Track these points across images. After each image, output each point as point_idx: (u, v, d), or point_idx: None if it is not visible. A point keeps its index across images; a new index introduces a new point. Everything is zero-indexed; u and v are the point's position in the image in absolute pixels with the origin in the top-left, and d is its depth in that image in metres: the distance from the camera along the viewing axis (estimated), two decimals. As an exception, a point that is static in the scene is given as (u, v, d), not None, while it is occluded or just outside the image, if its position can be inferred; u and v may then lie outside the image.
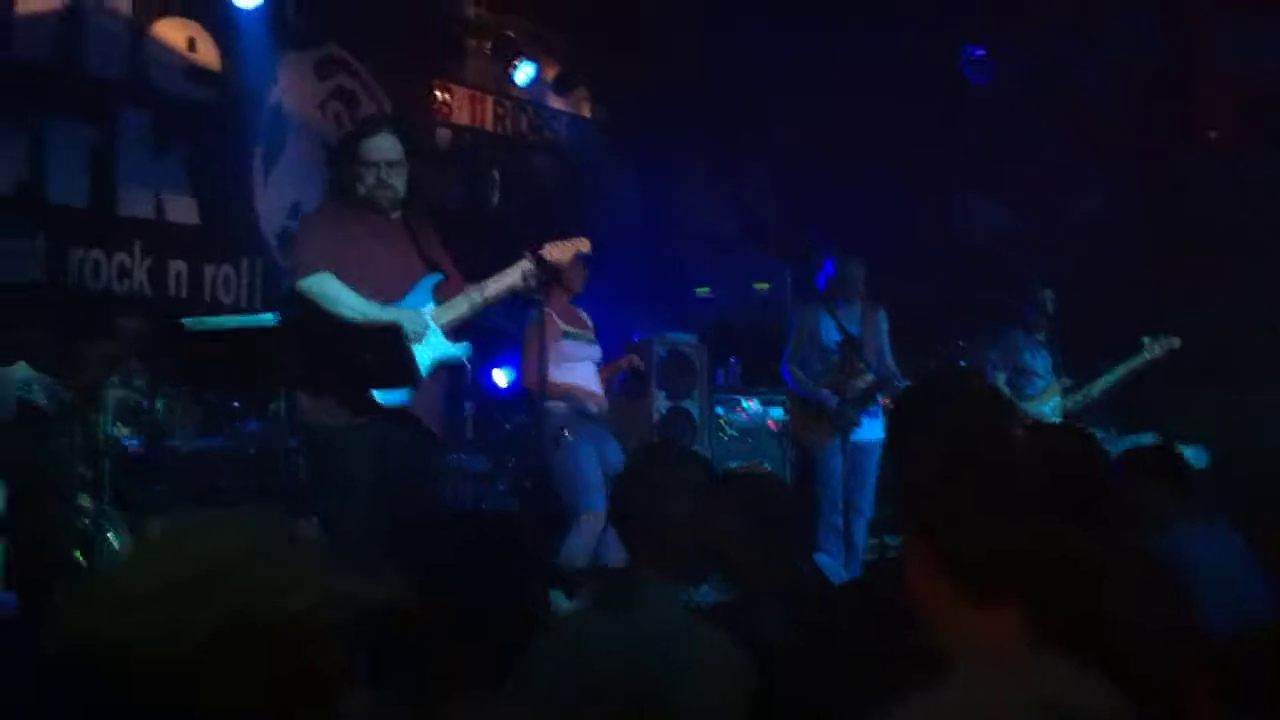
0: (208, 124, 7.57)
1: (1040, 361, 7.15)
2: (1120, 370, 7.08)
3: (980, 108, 8.93)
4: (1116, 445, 7.21)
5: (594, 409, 6.48)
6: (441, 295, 4.69)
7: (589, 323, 6.74)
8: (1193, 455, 7.07)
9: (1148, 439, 7.34)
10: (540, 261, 4.78)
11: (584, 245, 5.14)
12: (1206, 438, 7.11)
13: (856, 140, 9.03)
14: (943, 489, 1.67)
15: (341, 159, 4.82)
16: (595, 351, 6.67)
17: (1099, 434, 7.01)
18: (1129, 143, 8.41)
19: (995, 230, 9.00)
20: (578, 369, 6.56)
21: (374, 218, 4.65)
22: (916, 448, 2.46)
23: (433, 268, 4.69)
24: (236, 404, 6.58)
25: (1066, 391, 7.09)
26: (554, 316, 6.47)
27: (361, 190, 4.61)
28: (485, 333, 6.08)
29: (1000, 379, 7.02)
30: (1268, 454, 7.39)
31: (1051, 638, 1.54)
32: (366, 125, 4.97)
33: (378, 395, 4.40)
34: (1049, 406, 7.03)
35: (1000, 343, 7.24)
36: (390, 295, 4.56)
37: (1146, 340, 7.01)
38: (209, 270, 7.58)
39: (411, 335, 4.49)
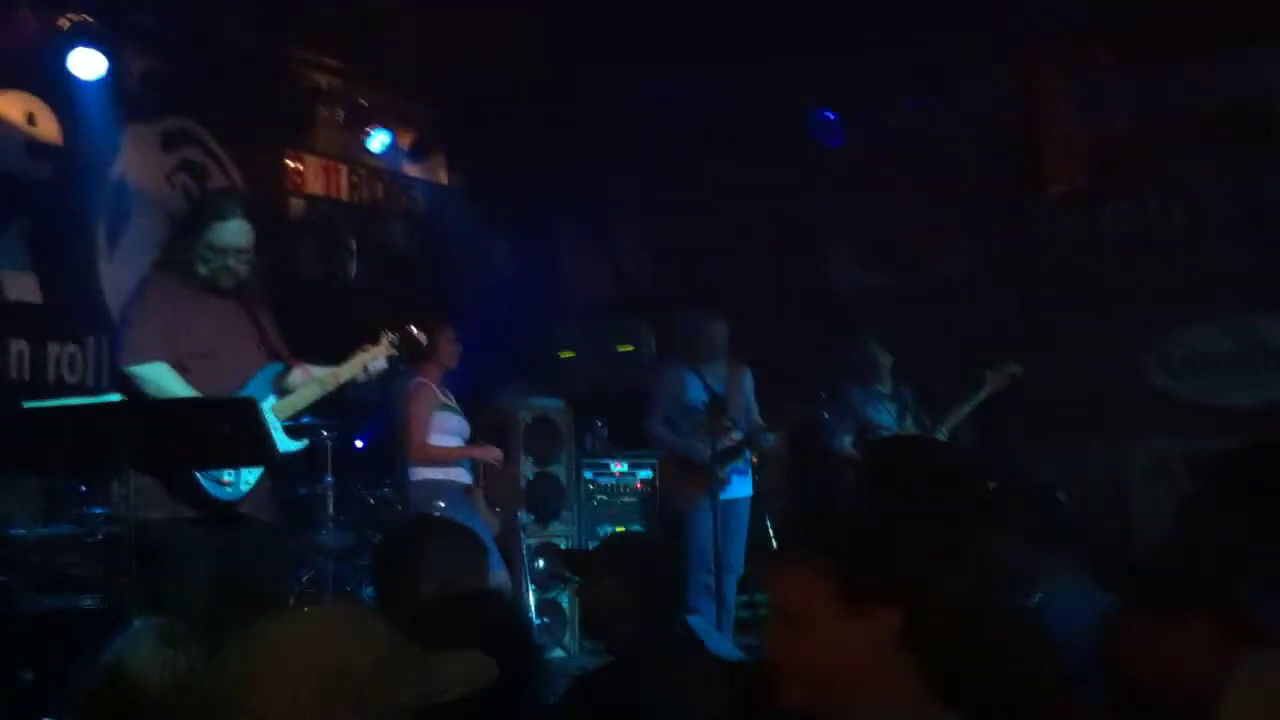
0: (49, 199, 7.32)
1: (884, 415, 7.27)
2: (966, 406, 7.23)
3: (843, 166, 9.15)
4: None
5: (459, 489, 6.49)
6: (282, 385, 4.56)
7: (453, 400, 6.77)
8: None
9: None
10: (404, 335, 4.71)
11: (423, 338, 5.08)
12: (1063, 485, 7.31)
13: (727, 200, 9.17)
14: (908, 554, 1.68)
15: (185, 236, 4.66)
16: (465, 427, 6.69)
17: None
18: (986, 198, 8.69)
19: (861, 287, 9.19)
20: (449, 443, 6.57)
21: (211, 298, 4.52)
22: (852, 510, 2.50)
23: (273, 355, 4.57)
24: (83, 488, 6.31)
25: None
26: (431, 386, 6.46)
27: (203, 272, 4.48)
28: (348, 406, 5.97)
29: (846, 442, 7.13)
30: (1120, 501, 7.66)
31: (951, 696, 1.56)
32: (217, 207, 4.78)
33: (214, 492, 4.25)
34: None
35: (840, 403, 7.37)
36: (227, 386, 4.42)
37: (987, 372, 7.19)
38: (52, 349, 7.29)
39: None
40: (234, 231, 4.52)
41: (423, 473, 6.56)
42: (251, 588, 4.33)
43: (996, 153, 8.56)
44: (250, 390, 4.48)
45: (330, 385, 4.58)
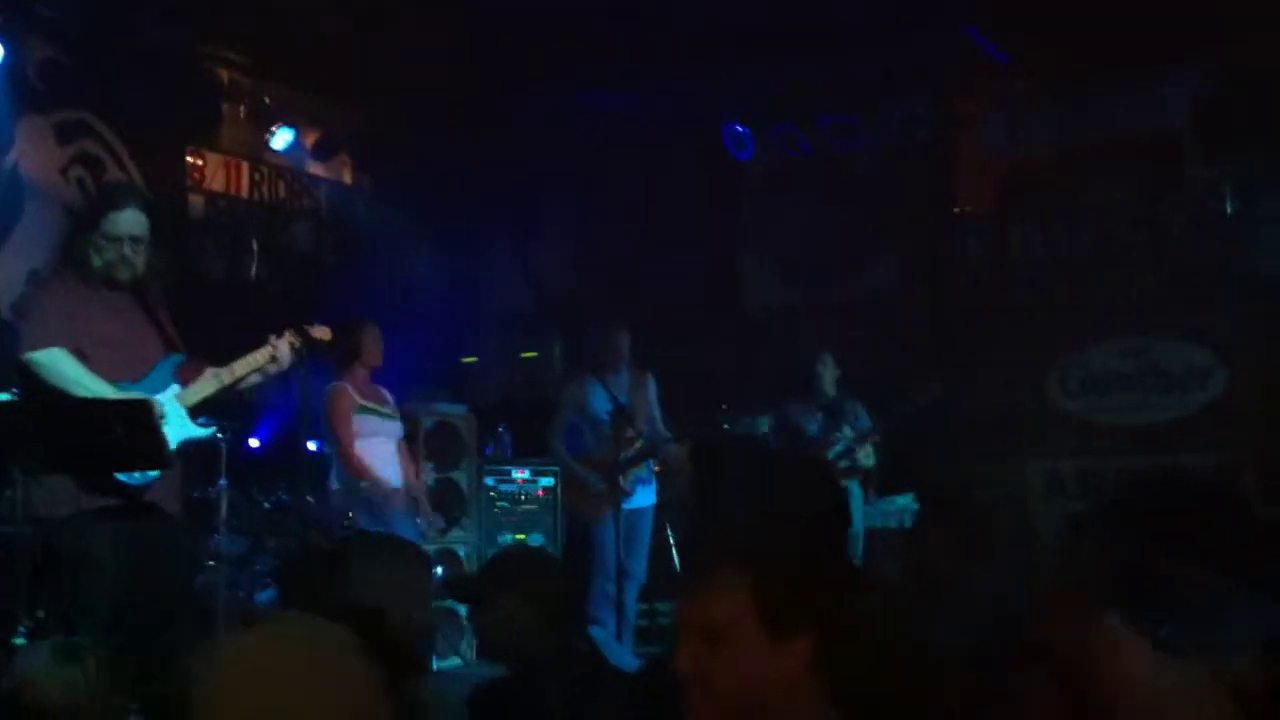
0: (-63, 189, 7.11)
1: (813, 426, 7.42)
2: (892, 422, 7.38)
3: (760, 183, 9.25)
4: (879, 505, 7.52)
5: (381, 496, 6.35)
6: (183, 376, 4.48)
7: (388, 399, 6.62)
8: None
9: (905, 500, 7.70)
10: (303, 336, 4.63)
11: (324, 333, 5.00)
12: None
13: (645, 214, 9.20)
14: (822, 581, 1.68)
15: (81, 229, 4.56)
16: (393, 428, 6.56)
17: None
18: (900, 218, 8.84)
19: (775, 303, 9.28)
20: (373, 445, 6.45)
21: (108, 293, 4.42)
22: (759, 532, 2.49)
23: (167, 342, 4.49)
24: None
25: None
26: (348, 389, 6.36)
27: (98, 263, 4.39)
28: (244, 406, 5.86)
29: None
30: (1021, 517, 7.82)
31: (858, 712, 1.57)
32: (112, 197, 4.69)
33: (120, 477, 4.16)
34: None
35: (777, 414, 7.54)
36: (126, 377, 4.33)
37: (911, 387, 7.32)
38: (-62, 343, 7.07)
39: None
40: (128, 221, 4.45)
41: (344, 481, 6.46)
42: (160, 591, 4.24)
43: (912, 173, 8.71)
44: (151, 380, 4.40)
45: (227, 380, 4.50)
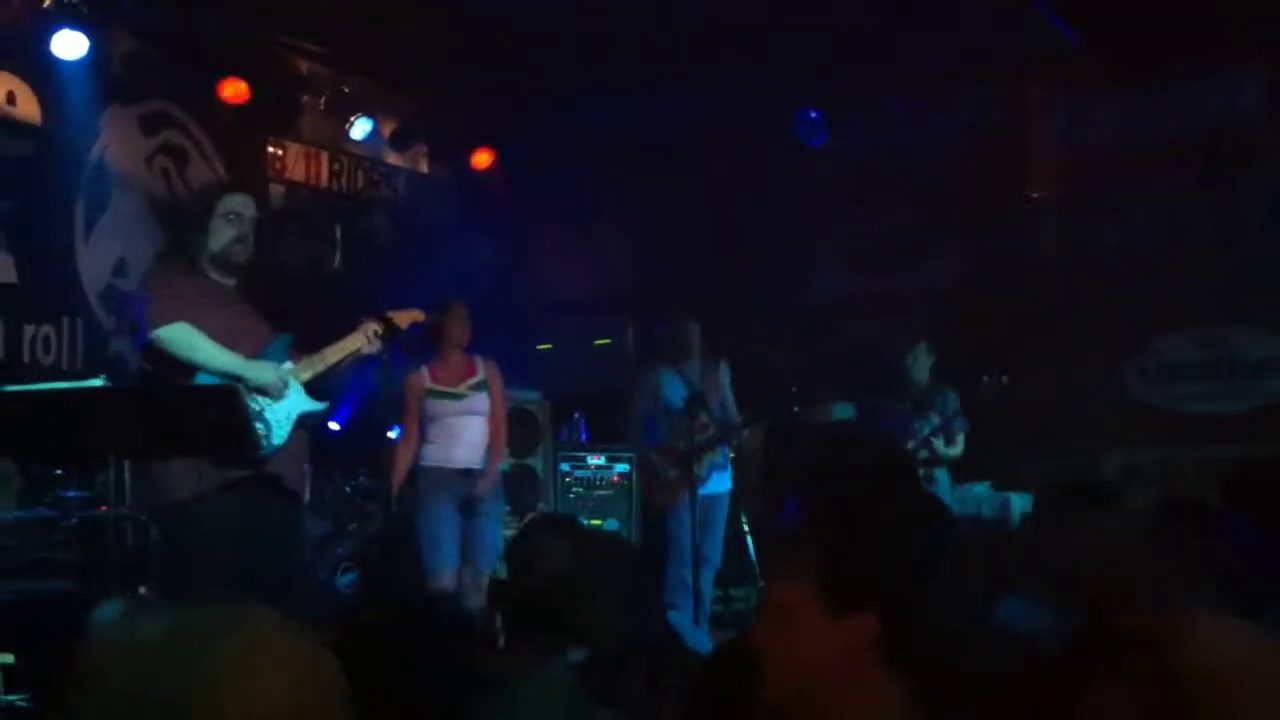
0: (27, 179, 7.27)
1: (898, 413, 7.39)
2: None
3: (829, 173, 9.21)
4: (955, 493, 7.46)
5: (451, 469, 6.44)
6: (294, 356, 4.60)
7: (480, 371, 6.64)
8: (1019, 502, 7.35)
9: (981, 488, 7.64)
10: (386, 324, 4.72)
11: (417, 316, 5.10)
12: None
13: (711, 205, 9.20)
14: (887, 559, 1.69)
15: (192, 215, 4.67)
16: (466, 405, 6.54)
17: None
18: (970, 208, 8.76)
19: (844, 294, 9.25)
20: (445, 426, 6.49)
21: (215, 284, 4.53)
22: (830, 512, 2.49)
23: (280, 333, 4.60)
24: (59, 472, 6.29)
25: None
26: (421, 375, 6.45)
27: (215, 246, 4.49)
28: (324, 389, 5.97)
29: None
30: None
31: (932, 704, 1.58)
32: (218, 187, 4.89)
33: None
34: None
35: (866, 409, 7.54)
36: (244, 354, 4.46)
37: (983, 379, 7.25)
38: (28, 330, 7.25)
39: (273, 391, 4.39)
40: (242, 201, 4.62)
41: (415, 461, 6.57)
42: (276, 568, 4.34)
43: (982, 162, 8.62)
44: (265, 357, 4.50)
45: (323, 365, 4.61)
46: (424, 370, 6.54)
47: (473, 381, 6.59)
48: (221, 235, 4.50)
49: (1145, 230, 8.26)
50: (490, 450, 6.58)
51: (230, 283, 4.59)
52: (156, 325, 4.36)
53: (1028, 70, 8.58)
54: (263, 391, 4.41)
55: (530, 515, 7.78)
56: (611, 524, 8.06)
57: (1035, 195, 8.68)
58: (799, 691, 1.67)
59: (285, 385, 4.45)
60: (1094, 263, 8.43)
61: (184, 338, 4.32)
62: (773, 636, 1.71)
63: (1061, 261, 8.56)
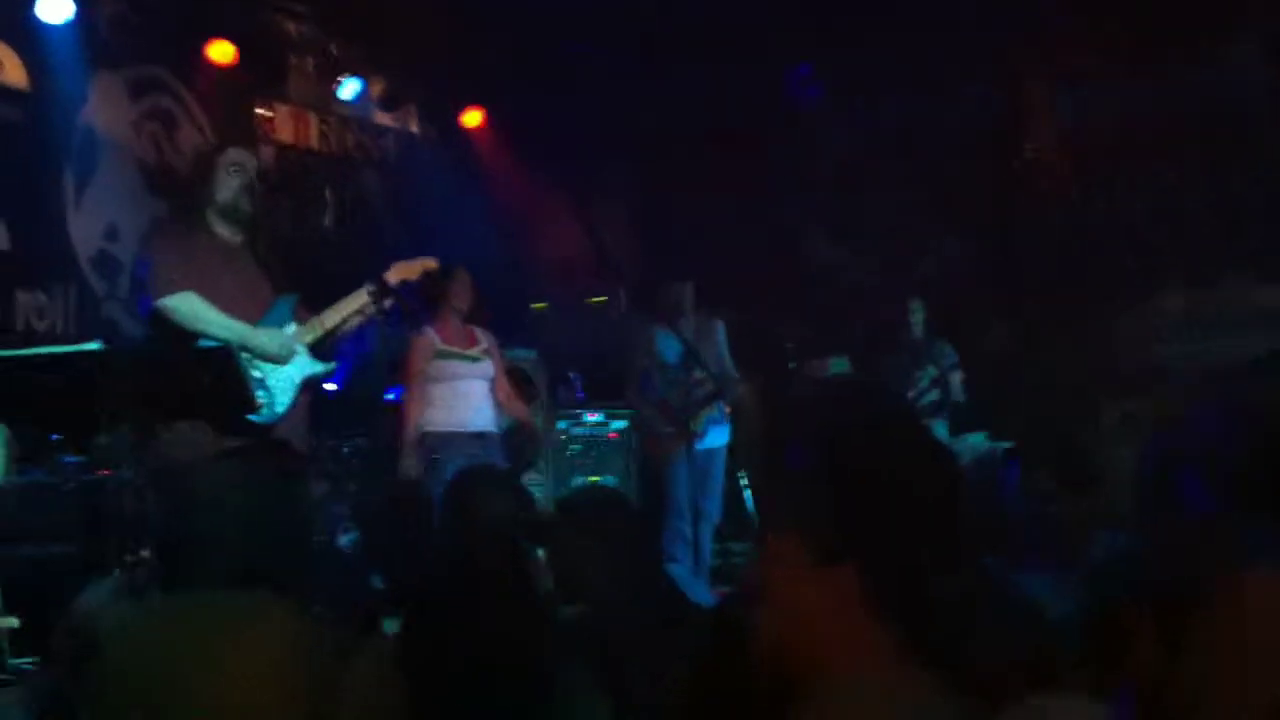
0: (16, 145, 7.23)
1: (897, 365, 7.48)
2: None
3: (829, 161, 9.20)
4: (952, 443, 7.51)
5: (465, 433, 6.40)
6: (299, 316, 4.60)
7: (481, 340, 6.59)
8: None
9: (977, 438, 7.69)
10: (383, 286, 4.71)
11: (431, 265, 5.08)
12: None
13: (710, 189, 9.18)
14: (868, 508, 1.69)
15: (197, 170, 4.68)
16: (481, 368, 6.49)
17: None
18: (972, 195, 8.76)
19: (844, 278, 9.28)
20: (454, 388, 6.41)
21: (221, 244, 4.53)
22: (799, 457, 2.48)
23: (283, 291, 4.60)
24: (55, 437, 6.29)
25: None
26: (429, 336, 6.34)
27: (221, 198, 4.49)
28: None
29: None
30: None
31: (919, 651, 1.59)
32: (220, 145, 4.90)
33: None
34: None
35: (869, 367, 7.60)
36: (245, 318, 4.46)
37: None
38: (21, 296, 7.23)
39: (282, 354, 4.40)
40: (244, 154, 4.70)
41: (420, 424, 6.46)
42: (280, 533, 4.35)
43: (982, 149, 8.63)
44: (270, 320, 4.51)
45: (328, 326, 4.61)
46: (430, 331, 6.39)
47: (481, 348, 6.54)
48: (227, 186, 4.51)
49: (1146, 214, 8.31)
50: (514, 406, 6.58)
51: (237, 239, 4.58)
52: (162, 293, 4.36)
53: (1027, 58, 8.57)
54: (271, 359, 4.41)
55: (530, 474, 7.81)
56: (610, 480, 8.09)
57: (1035, 181, 8.69)
58: (786, 640, 1.69)
59: (292, 353, 4.45)
60: (1092, 244, 8.48)
61: (190, 308, 4.32)
62: (763, 585, 1.73)
63: (1060, 244, 8.61)
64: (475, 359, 6.46)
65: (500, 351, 6.71)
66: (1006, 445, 7.49)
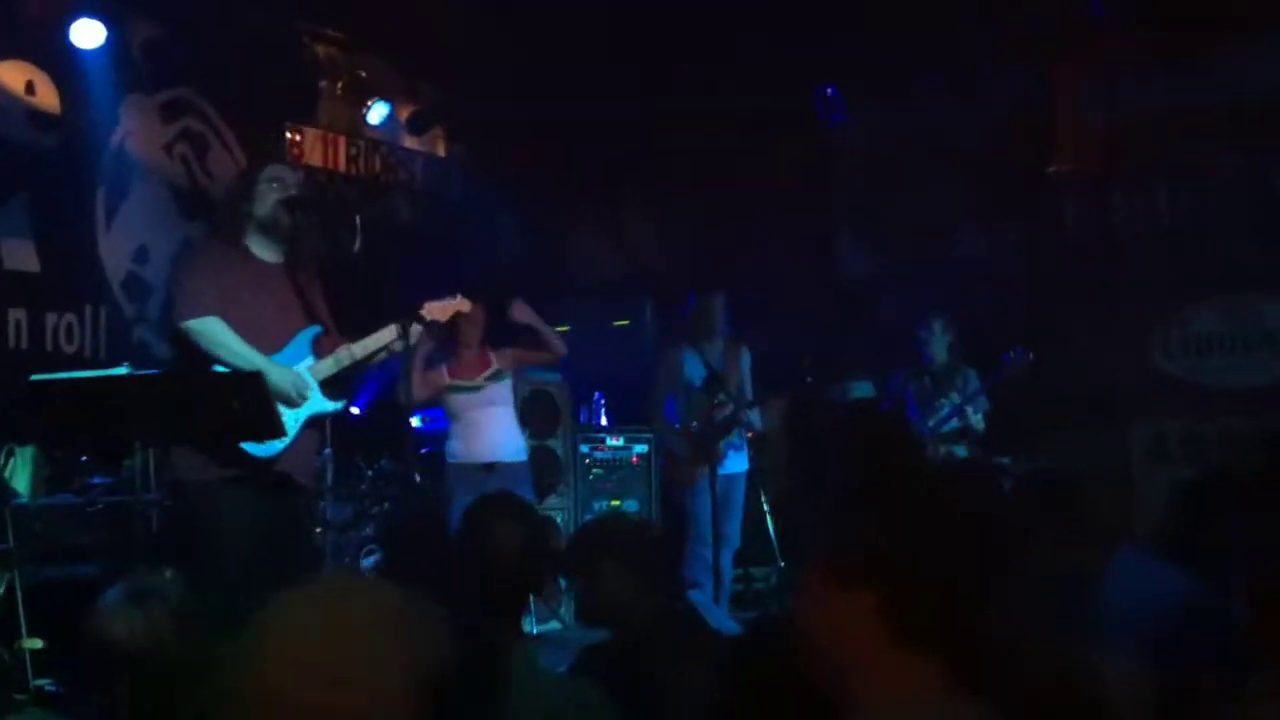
0: (48, 168, 7.31)
1: (918, 390, 7.37)
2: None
3: (856, 151, 9.16)
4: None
5: (474, 464, 6.61)
6: (320, 349, 4.59)
7: (494, 362, 6.79)
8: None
9: (1004, 462, 7.63)
10: (417, 320, 4.70)
11: (464, 306, 5.08)
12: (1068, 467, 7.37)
13: (739, 184, 9.17)
14: (884, 534, 1.69)
15: (239, 187, 4.68)
16: (485, 396, 6.70)
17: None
18: (1001, 186, 8.71)
19: (870, 272, 9.23)
20: (462, 421, 6.64)
21: (258, 263, 4.54)
22: (838, 488, 2.49)
23: (312, 320, 4.60)
24: (84, 459, 6.35)
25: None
26: (440, 373, 6.63)
27: (260, 213, 4.49)
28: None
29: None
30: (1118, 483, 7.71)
31: (966, 681, 1.57)
32: (262, 160, 4.92)
33: (251, 449, 4.29)
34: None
35: (888, 388, 7.53)
36: (267, 347, 4.46)
37: (1009, 355, 7.19)
38: (50, 319, 7.30)
39: (294, 395, 4.40)
40: (285, 169, 4.71)
41: (447, 459, 6.75)
42: (286, 559, 4.39)
43: (1010, 138, 8.57)
44: (288, 352, 4.51)
45: (352, 358, 4.60)
46: (442, 369, 6.70)
47: (489, 373, 6.73)
48: (266, 201, 4.50)
49: (1177, 207, 8.21)
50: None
51: (276, 260, 4.58)
52: (187, 316, 4.37)
53: (1058, 46, 8.51)
54: (282, 398, 4.39)
55: (550, 497, 7.84)
56: (631, 504, 8.09)
57: (1063, 173, 8.62)
58: (824, 665, 1.69)
59: (303, 397, 4.44)
60: (1122, 240, 8.38)
61: (212, 332, 4.33)
62: (799, 611, 1.74)
63: (1088, 238, 8.51)
64: (478, 388, 6.66)
65: (521, 352, 6.95)
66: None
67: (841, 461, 2.69)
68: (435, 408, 7.01)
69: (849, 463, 2.69)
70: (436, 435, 7.19)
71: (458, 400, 6.72)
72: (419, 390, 6.59)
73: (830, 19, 7.78)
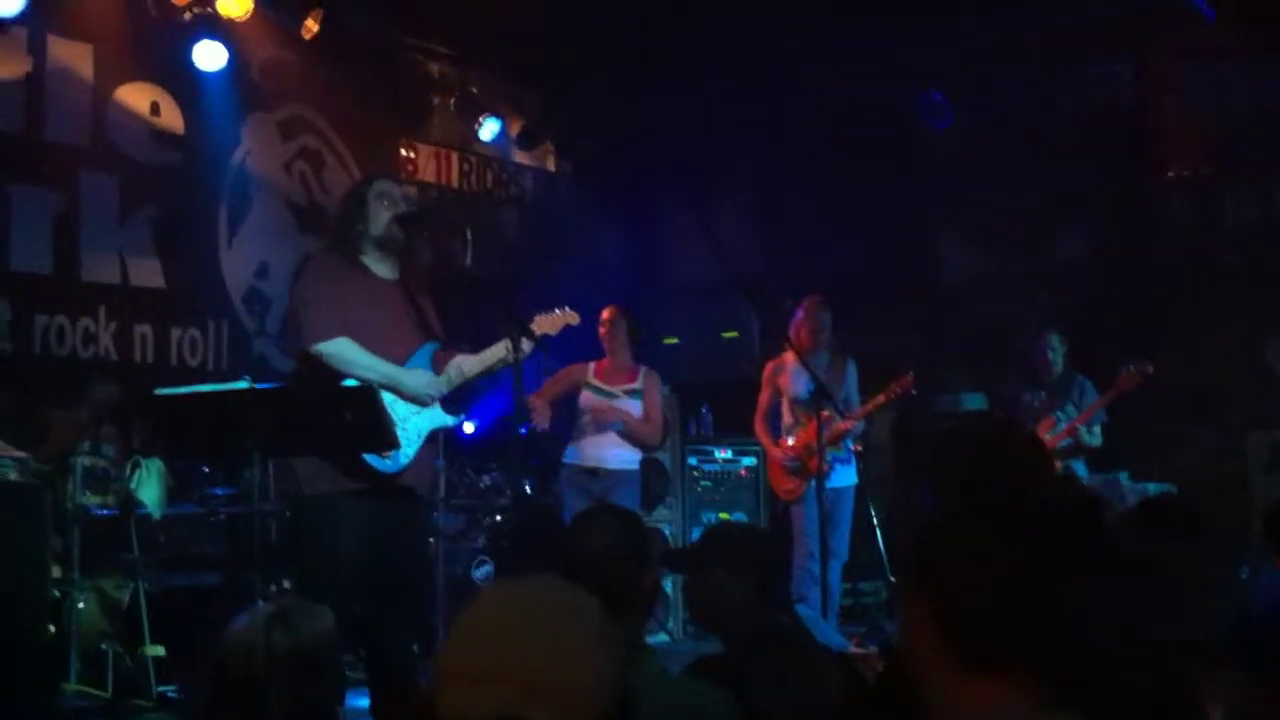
0: (172, 186, 7.55)
1: (1035, 402, 7.21)
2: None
3: (954, 151, 9.03)
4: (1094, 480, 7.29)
5: (581, 467, 6.85)
6: (435, 364, 4.65)
7: (640, 380, 7.01)
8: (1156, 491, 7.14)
9: (1121, 476, 7.45)
10: (527, 335, 4.70)
11: (573, 319, 5.09)
12: (1174, 476, 7.19)
13: (832, 186, 9.11)
14: (947, 548, 1.60)
15: (350, 205, 4.74)
16: (614, 405, 6.83)
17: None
18: (1101, 185, 8.53)
19: (971, 273, 9.09)
20: (582, 420, 6.77)
21: (374, 279, 4.60)
22: (930, 500, 2.42)
23: (427, 334, 4.67)
24: (205, 470, 6.53)
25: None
26: (587, 367, 6.93)
27: (375, 230, 4.56)
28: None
29: None
30: (1234, 491, 7.48)
31: (1062, 700, 1.50)
32: (367, 178, 4.98)
33: (376, 463, 4.37)
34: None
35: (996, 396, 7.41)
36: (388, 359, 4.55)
37: (1126, 369, 6.99)
38: (175, 333, 7.53)
39: (425, 400, 4.49)
40: (392, 184, 4.75)
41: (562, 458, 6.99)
42: (403, 572, 4.49)
43: (1112, 137, 8.38)
44: (412, 366, 4.58)
45: (466, 374, 4.64)
46: (591, 365, 6.96)
47: (630, 387, 6.85)
48: (379, 217, 4.56)
49: None
50: (639, 431, 6.88)
51: (391, 275, 4.65)
52: (317, 339, 4.41)
53: (1160, 42, 8.31)
54: (417, 400, 4.49)
55: (658, 509, 7.86)
56: (739, 517, 8.07)
57: (1168, 170, 8.40)
58: (913, 683, 1.60)
59: (437, 396, 4.54)
60: (1232, 237, 8.14)
61: (342, 353, 4.39)
62: (900, 645, 1.67)
63: (1197, 236, 8.28)
64: (614, 395, 6.76)
65: (660, 392, 7.17)
66: (1152, 484, 7.25)
67: (938, 474, 2.61)
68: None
69: (946, 476, 2.61)
70: (544, 445, 7.29)
71: (589, 398, 6.91)
72: (556, 384, 6.93)
73: (929, 10, 7.69)
